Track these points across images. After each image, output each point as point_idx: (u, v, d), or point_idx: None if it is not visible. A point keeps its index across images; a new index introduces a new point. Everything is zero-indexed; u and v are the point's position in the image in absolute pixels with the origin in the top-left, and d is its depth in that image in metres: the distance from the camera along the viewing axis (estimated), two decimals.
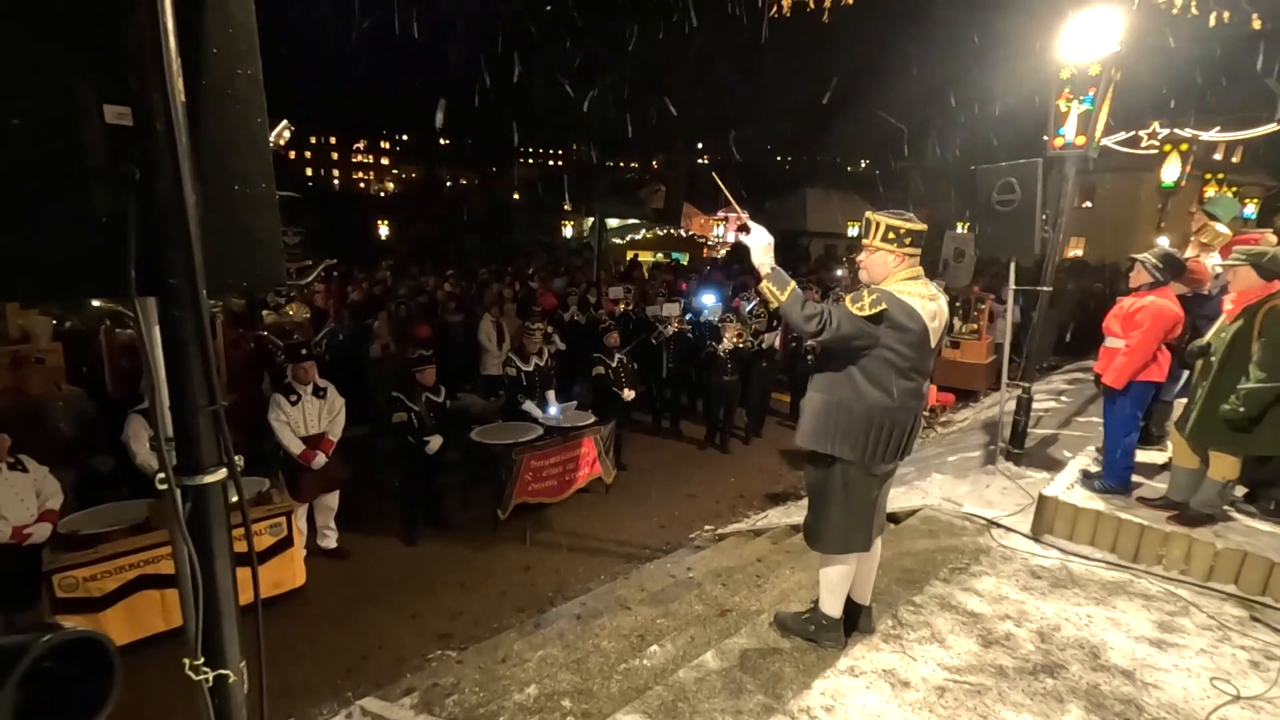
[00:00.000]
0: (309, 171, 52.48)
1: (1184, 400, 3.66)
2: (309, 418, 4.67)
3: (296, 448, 4.55)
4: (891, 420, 2.38)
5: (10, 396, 4.82)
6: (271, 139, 1.29)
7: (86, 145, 1.00)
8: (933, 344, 2.40)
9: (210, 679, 1.12)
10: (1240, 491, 3.69)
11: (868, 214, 2.46)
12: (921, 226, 2.38)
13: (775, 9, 5.91)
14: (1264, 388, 3.05)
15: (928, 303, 2.36)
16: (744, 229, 2.47)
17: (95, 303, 6.42)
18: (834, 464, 2.47)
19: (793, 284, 2.33)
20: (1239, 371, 3.17)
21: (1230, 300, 3.36)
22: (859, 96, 21.17)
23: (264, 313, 7.92)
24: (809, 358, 7.63)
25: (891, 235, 2.36)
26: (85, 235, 1.01)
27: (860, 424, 2.37)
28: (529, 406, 5.95)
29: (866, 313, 2.27)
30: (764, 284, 2.36)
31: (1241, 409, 3.08)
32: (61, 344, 6.08)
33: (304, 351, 4.71)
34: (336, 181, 54.54)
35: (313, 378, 4.71)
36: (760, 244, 2.38)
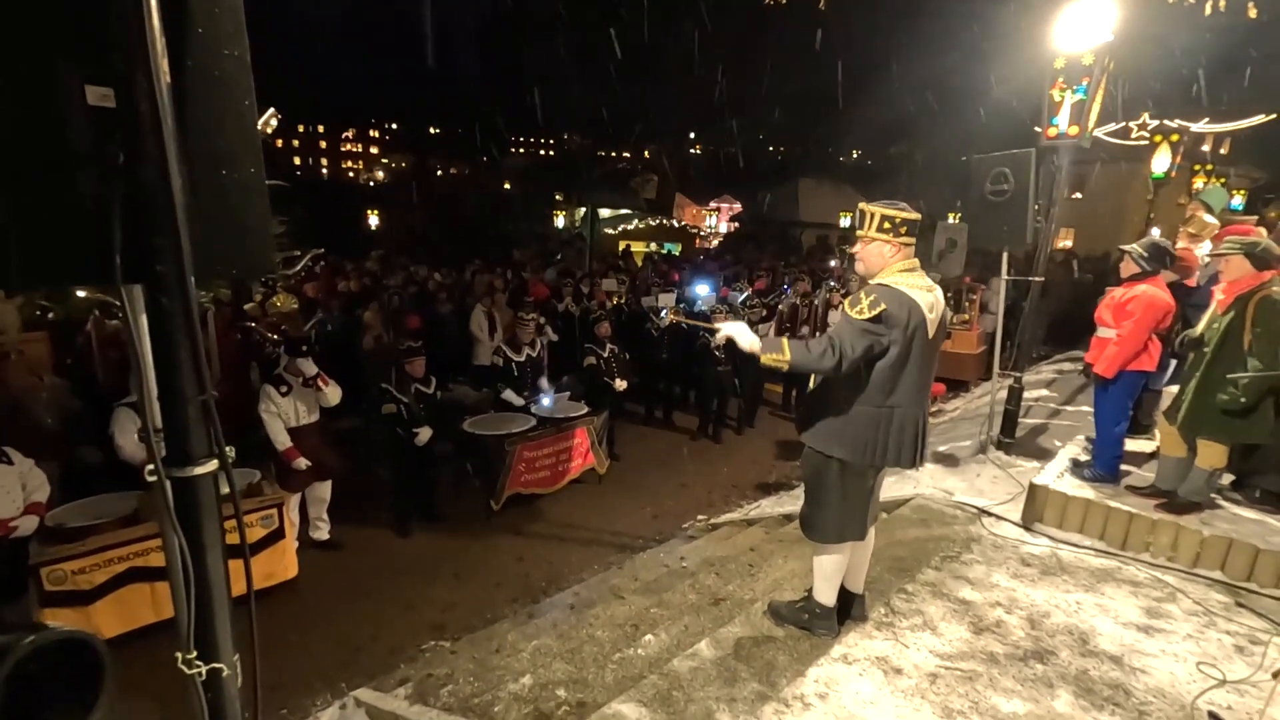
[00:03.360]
0: (297, 161, 51.88)
1: (1173, 389, 3.69)
2: (299, 408, 4.63)
3: (283, 443, 4.49)
4: (901, 420, 2.38)
5: None
6: (258, 127, 1.26)
7: (68, 128, 0.97)
8: (931, 335, 2.39)
9: (203, 672, 1.11)
10: (1227, 479, 3.74)
11: (861, 205, 2.44)
12: (916, 216, 2.38)
13: None
14: (1262, 376, 3.07)
15: (925, 294, 2.35)
16: (714, 334, 2.53)
17: (81, 292, 6.33)
18: (831, 455, 2.47)
19: (785, 340, 2.37)
20: (1231, 361, 3.19)
21: (1221, 290, 3.38)
22: (852, 87, 21.14)
23: (246, 306, 7.81)
24: None
25: (887, 225, 2.35)
26: (69, 221, 0.99)
27: (867, 426, 2.37)
28: (508, 395, 5.93)
29: (867, 315, 2.26)
30: (764, 359, 2.37)
31: (1242, 399, 3.11)
32: (47, 334, 5.99)
33: (304, 349, 4.63)
34: (325, 171, 53.94)
35: (306, 373, 4.66)
36: (738, 332, 2.44)
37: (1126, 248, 3.90)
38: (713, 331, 2.56)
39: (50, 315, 6.61)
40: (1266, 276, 3.17)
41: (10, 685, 0.62)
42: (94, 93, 0.98)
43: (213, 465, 1.11)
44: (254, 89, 1.16)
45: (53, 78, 0.95)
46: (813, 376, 2.52)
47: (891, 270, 2.38)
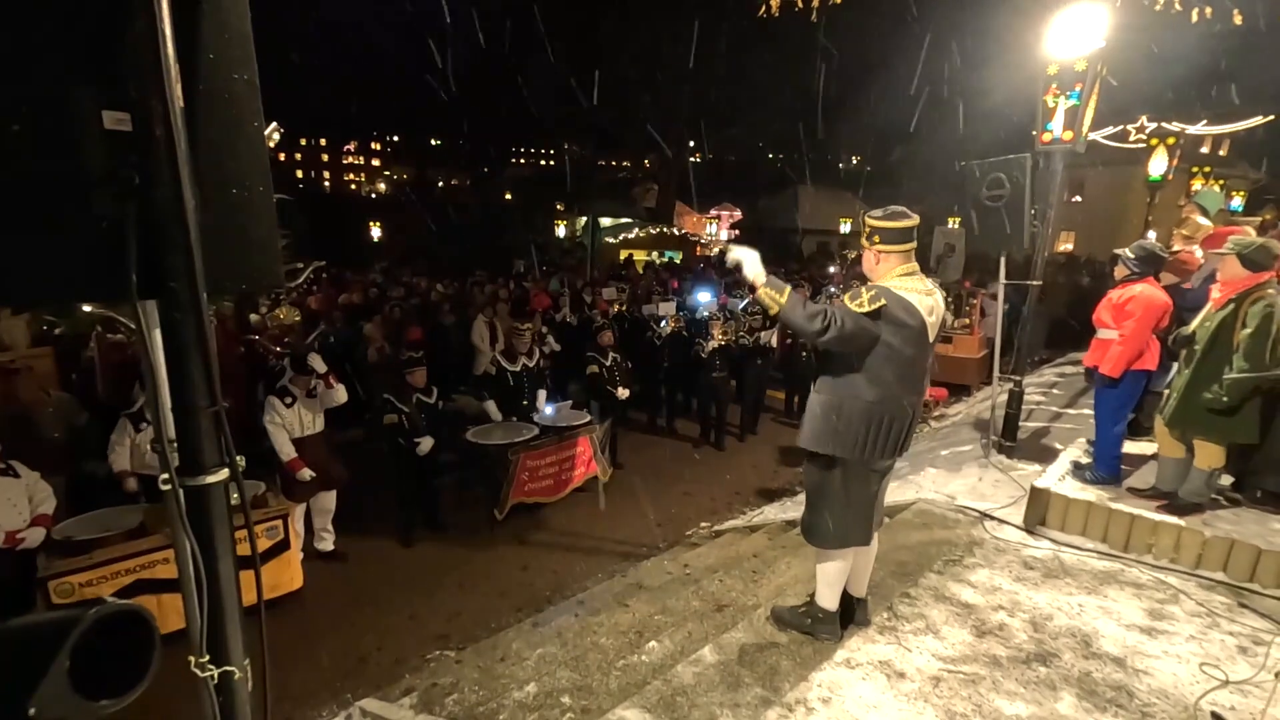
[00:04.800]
0: (299, 174, 52.16)
1: None
2: (304, 418, 4.67)
3: (288, 454, 4.53)
4: (890, 416, 2.41)
5: None
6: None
7: (86, 151, 1.00)
8: (930, 339, 2.44)
9: (215, 676, 1.13)
10: (1227, 480, 3.74)
11: (862, 215, 2.53)
12: (894, 224, 2.41)
13: (764, 9, 5.95)
14: (1246, 377, 3.10)
15: (924, 298, 2.40)
16: (727, 256, 2.47)
17: (86, 308, 6.38)
18: (833, 460, 2.50)
19: (789, 286, 2.37)
20: (1221, 360, 3.22)
21: (1218, 289, 3.41)
22: (850, 94, 21.27)
23: (251, 316, 7.87)
24: (804, 355, 7.67)
25: (866, 234, 2.45)
26: (86, 240, 1.02)
27: (859, 422, 2.41)
28: (489, 406, 5.96)
29: (866, 309, 2.30)
30: (760, 291, 2.35)
31: (1225, 398, 3.13)
32: (53, 349, 6.04)
33: (309, 366, 4.69)
34: (327, 183, 54.22)
35: (316, 369, 4.72)
36: (749, 257, 2.39)
37: (1118, 251, 3.94)
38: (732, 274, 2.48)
39: (57, 331, 6.66)
40: (1264, 278, 3.20)
41: (73, 654, 0.69)
42: (110, 117, 1.01)
43: (224, 474, 1.14)
44: (262, 110, 1.20)
45: (71, 103, 0.99)
46: (814, 383, 2.55)
47: (890, 275, 2.43)
